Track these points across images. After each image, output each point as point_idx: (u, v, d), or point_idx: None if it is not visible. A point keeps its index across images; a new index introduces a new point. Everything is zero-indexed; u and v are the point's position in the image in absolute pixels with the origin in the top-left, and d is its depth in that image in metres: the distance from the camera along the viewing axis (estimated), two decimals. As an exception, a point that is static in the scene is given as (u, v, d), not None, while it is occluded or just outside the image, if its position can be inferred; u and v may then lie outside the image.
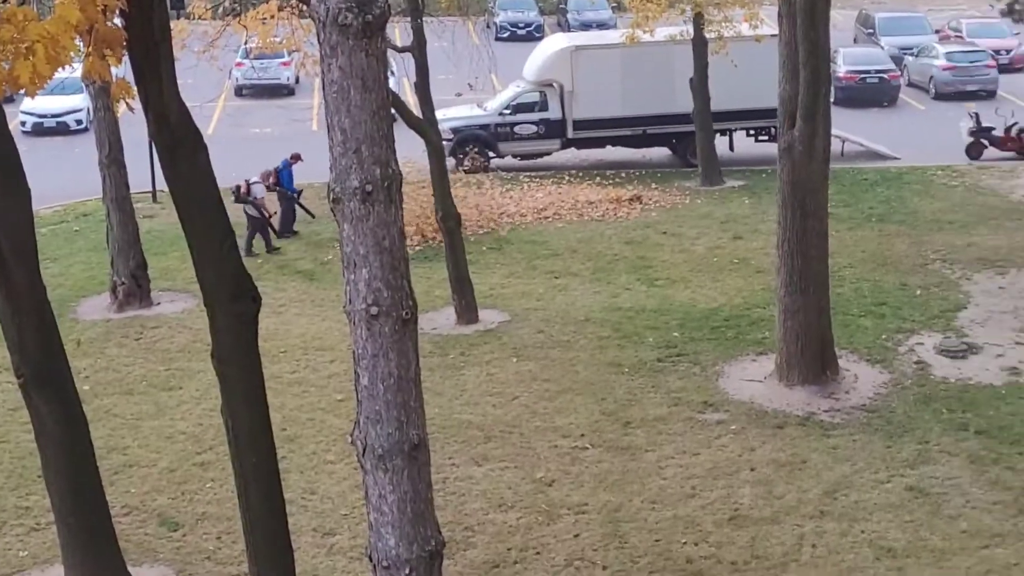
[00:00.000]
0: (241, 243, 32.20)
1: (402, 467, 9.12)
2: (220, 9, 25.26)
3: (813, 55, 22.16)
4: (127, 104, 11.90)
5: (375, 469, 9.19)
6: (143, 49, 12.03)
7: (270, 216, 33.26)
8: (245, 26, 20.84)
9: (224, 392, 13.86)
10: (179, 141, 12.72)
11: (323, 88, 8.46)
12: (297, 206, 35.21)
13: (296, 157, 35.57)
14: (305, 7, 23.54)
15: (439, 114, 42.01)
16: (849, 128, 44.44)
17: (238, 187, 33.35)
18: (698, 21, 37.55)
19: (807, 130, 22.68)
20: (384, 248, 8.56)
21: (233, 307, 13.54)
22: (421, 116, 26.97)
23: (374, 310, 8.69)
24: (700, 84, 38.57)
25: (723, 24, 36.84)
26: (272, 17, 21.14)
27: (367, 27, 8.23)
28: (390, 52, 26.57)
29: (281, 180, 35.07)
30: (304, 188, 35.50)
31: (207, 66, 28.43)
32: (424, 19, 30.80)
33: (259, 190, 33.17)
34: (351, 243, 8.62)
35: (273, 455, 14.16)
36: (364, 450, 9.29)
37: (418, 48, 26.09)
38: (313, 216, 35.02)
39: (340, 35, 8.21)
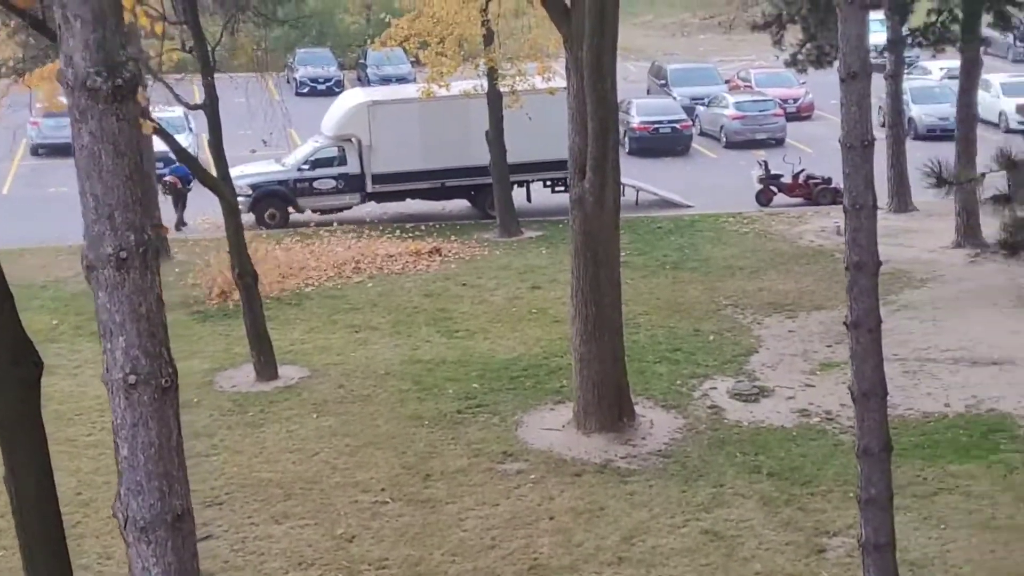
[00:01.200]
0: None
1: (165, 539, 8.96)
2: (3, 68, 24.88)
3: (601, 107, 22.58)
4: None
5: (138, 542, 9.03)
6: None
7: None
8: (29, 86, 20.56)
9: (7, 459, 13.59)
10: None
11: (74, 154, 8.44)
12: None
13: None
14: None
15: (238, 170, 42.07)
16: (643, 177, 45.24)
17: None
18: (492, 75, 37.99)
19: (597, 181, 23.07)
20: (141, 315, 8.48)
21: (14, 372, 13.29)
22: (215, 173, 26.86)
23: (132, 379, 8.56)
24: (496, 137, 38.97)
25: (516, 78, 37.33)
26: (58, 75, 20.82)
27: (117, 91, 8.19)
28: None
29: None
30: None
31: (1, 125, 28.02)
32: (221, 75, 30.80)
33: None
34: (107, 311, 8.50)
35: (59, 523, 13.86)
36: (126, 522, 9.15)
37: (210, 105, 25.98)
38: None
39: (90, 99, 8.15)
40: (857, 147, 11.65)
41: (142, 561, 8.76)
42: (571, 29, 23.12)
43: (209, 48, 26.12)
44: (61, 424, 24.84)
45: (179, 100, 26.55)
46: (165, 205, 38.16)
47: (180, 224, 38.31)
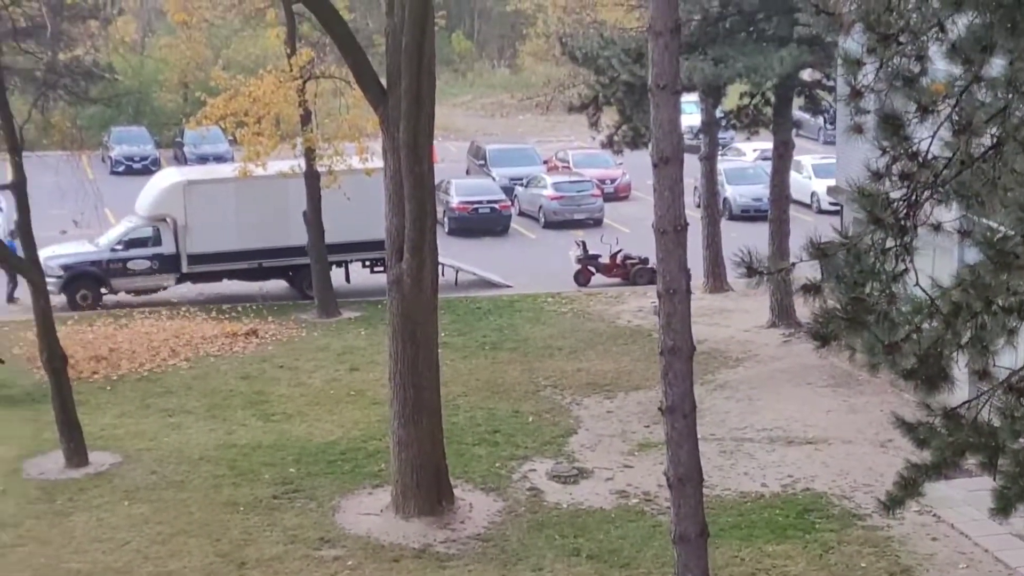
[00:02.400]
0: None
1: None
2: None
3: (418, 189, 22.54)
4: None
5: None
6: None
7: None
8: None
9: None
10: None
11: None
12: None
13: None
14: None
15: (49, 250, 41.24)
16: (462, 257, 45.23)
17: None
18: (309, 155, 37.77)
19: (415, 263, 22.97)
20: None
21: None
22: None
23: None
24: (314, 217, 38.70)
25: (334, 157, 37.14)
26: None
27: None
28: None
29: None
30: None
31: None
32: (33, 154, 30.16)
33: None
34: None
35: None
36: None
37: (18, 185, 25.35)
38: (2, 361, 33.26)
39: None
40: (670, 231, 11.68)
41: None
42: (388, 111, 23.04)
43: (17, 126, 25.50)
44: None
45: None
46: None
47: (11, 298, 36.81)
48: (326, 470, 26.10)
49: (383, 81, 23.53)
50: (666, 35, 11.55)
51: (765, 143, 47.55)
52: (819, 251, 10.03)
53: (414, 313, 23.42)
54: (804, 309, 14.75)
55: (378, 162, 37.03)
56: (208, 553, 22.20)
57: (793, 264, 10.50)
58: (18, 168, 25.35)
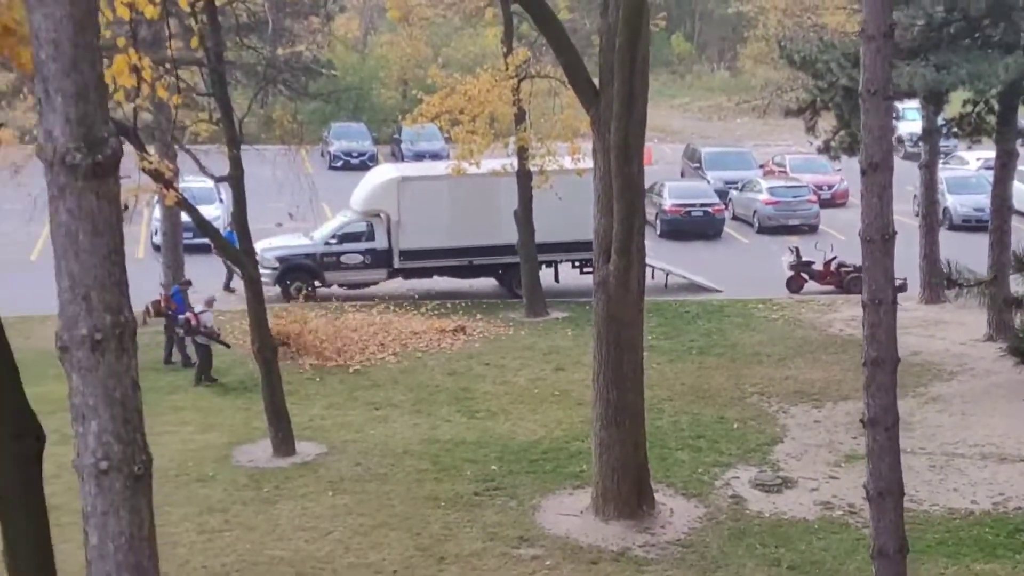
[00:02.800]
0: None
1: None
2: (27, 137, 24.85)
3: (627, 190, 22.35)
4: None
5: None
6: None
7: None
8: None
9: (5, 534, 13.31)
10: None
11: (51, 231, 8.19)
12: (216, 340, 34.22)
13: (187, 283, 35.75)
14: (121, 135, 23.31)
15: (265, 242, 42.08)
16: (674, 261, 45.01)
17: (156, 302, 34.65)
18: (522, 154, 37.88)
19: (622, 264, 22.80)
20: (115, 400, 8.22)
21: (15, 446, 13.02)
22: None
23: (104, 465, 8.29)
24: (524, 216, 38.83)
25: (545, 158, 37.19)
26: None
27: (97, 168, 7.96)
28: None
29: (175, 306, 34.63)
30: None
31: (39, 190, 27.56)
32: (253, 148, 30.71)
33: (207, 318, 32.60)
34: (80, 394, 8.25)
35: None
36: None
37: (235, 178, 25.84)
38: (228, 346, 33.83)
39: (68, 176, 7.94)
40: (877, 240, 11.37)
41: (110, 660, 8.43)
42: (599, 111, 22.93)
43: (236, 120, 25.99)
44: (72, 496, 24.42)
45: (204, 171, 26.45)
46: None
47: (227, 287, 37.62)
48: (528, 469, 26.11)
49: (596, 81, 23.44)
50: (879, 39, 11.24)
51: (988, 152, 46.36)
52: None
53: (620, 315, 23.28)
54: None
55: (590, 163, 37.28)
56: (408, 547, 22.33)
57: (994, 277, 10.14)
58: (236, 161, 25.82)
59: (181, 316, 32.80)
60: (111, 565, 8.44)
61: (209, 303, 33.34)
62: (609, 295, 23.18)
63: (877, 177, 11.29)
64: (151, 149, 32.64)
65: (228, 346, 33.34)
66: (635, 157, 22.56)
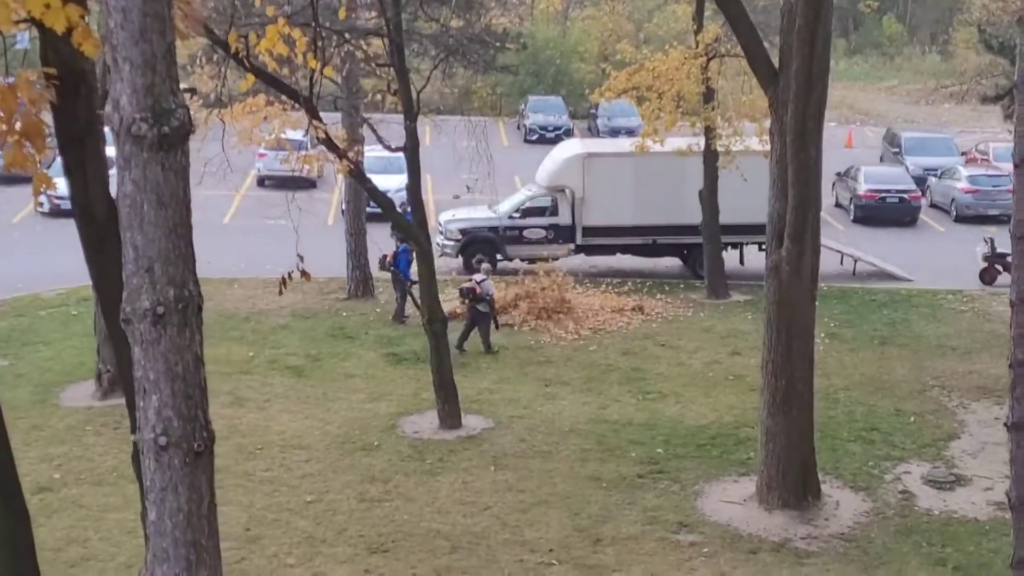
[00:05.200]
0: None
1: None
2: (204, 100, 25.15)
3: (802, 175, 21.83)
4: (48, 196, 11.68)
5: None
6: (68, 143, 11.78)
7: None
8: (223, 120, 20.68)
9: None
10: (104, 239, 12.37)
11: (118, 201, 8.10)
12: (409, 295, 35.13)
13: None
14: (294, 102, 23.50)
15: (449, 214, 42.24)
16: (866, 247, 44.17)
17: (384, 256, 35.72)
18: (708, 134, 37.39)
19: (795, 250, 22.30)
20: (177, 375, 8.13)
21: None
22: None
23: (163, 440, 8.21)
24: (709, 196, 38.38)
25: (732, 138, 36.64)
26: (258, 110, 21.00)
27: (163, 139, 7.87)
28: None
29: (398, 264, 35.51)
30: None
31: (234, 155, 27.86)
32: (438, 118, 30.78)
33: (489, 286, 33.08)
34: (141, 368, 8.18)
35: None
36: None
37: (411, 150, 25.84)
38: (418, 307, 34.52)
39: (134, 146, 7.86)
40: (1029, 238, 10.83)
41: (167, 635, 8.38)
42: (777, 92, 22.43)
43: (415, 91, 25.99)
44: (241, 458, 24.93)
45: (381, 142, 26.51)
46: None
47: (400, 316, 36.05)
48: (693, 453, 25.76)
49: (776, 62, 22.93)
50: (1038, 26, 10.68)
51: None
52: None
53: (791, 301, 22.77)
54: None
55: (777, 144, 36.63)
56: (566, 526, 22.16)
57: None
58: (412, 133, 25.81)
59: (465, 286, 33.11)
60: (168, 541, 8.38)
61: (488, 271, 33.85)
62: (781, 281, 22.69)
63: (1029, 172, 10.77)
64: (336, 118, 33.02)
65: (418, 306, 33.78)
66: (812, 141, 22.03)
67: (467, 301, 32.54)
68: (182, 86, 8.45)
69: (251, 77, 20.70)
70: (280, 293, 20.97)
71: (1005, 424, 12.05)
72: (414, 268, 32.94)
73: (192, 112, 21.52)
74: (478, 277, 33.11)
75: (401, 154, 26.48)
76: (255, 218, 47.66)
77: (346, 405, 28.36)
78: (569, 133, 66.42)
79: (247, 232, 44.81)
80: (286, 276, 19.95)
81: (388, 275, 36.15)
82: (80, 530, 21.62)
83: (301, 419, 27.41)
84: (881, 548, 21.58)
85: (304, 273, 19.88)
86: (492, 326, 32.81)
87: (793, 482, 23.07)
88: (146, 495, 8.52)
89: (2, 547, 15.28)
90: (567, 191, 41.99)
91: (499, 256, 41.41)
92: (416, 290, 34.99)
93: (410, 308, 34.71)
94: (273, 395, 28.94)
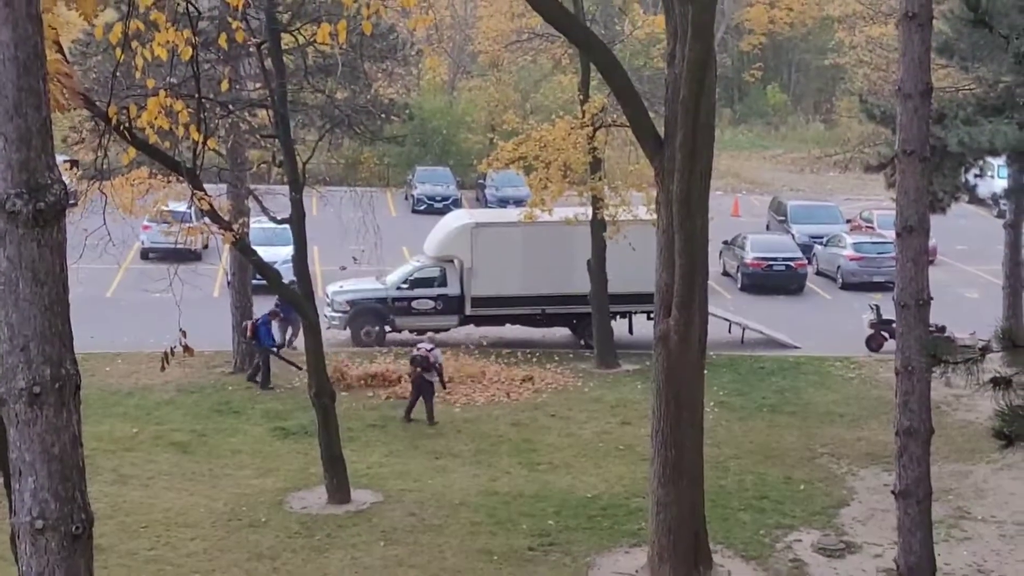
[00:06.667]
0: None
1: None
2: (85, 172, 24.80)
3: (689, 244, 21.83)
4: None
5: None
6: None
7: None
8: (104, 192, 20.36)
9: None
10: None
11: None
12: (280, 360, 36.08)
13: (275, 314, 36.45)
14: (177, 174, 23.18)
15: (336, 285, 41.94)
16: (754, 315, 44.34)
17: (244, 327, 36.35)
18: (596, 203, 37.46)
19: (683, 319, 22.28)
20: (53, 456, 7.90)
21: None
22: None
23: (39, 523, 7.95)
24: (597, 265, 38.40)
25: (619, 207, 36.75)
26: (140, 182, 20.70)
27: (39, 215, 7.70)
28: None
29: (258, 334, 35.85)
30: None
31: (117, 228, 27.42)
32: (329, 189, 30.52)
33: (437, 355, 33.35)
34: (17, 449, 7.95)
35: None
36: None
37: (297, 221, 25.61)
38: (300, 368, 34.17)
39: (9, 223, 7.69)
40: (911, 305, 10.84)
41: None
42: (663, 162, 22.48)
43: (300, 163, 25.80)
44: (124, 537, 24.43)
45: (266, 213, 26.27)
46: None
47: (264, 384, 36.00)
48: (585, 524, 25.61)
49: (661, 132, 23.01)
50: (916, 98, 10.73)
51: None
52: (1009, 342, 9.10)
53: (680, 371, 22.74)
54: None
55: (665, 213, 36.76)
56: (457, 602, 21.91)
57: (983, 353, 9.56)
58: (297, 204, 25.60)
59: (418, 354, 32.90)
60: (48, 631, 8.07)
61: (432, 340, 34.23)
62: (669, 350, 22.65)
63: (912, 241, 10.76)
64: (221, 189, 32.72)
65: (300, 368, 33.76)
66: (698, 210, 22.07)
67: (419, 370, 32.28)
68: (63, 158, 8.24)
69: (133, 150, 20.39)
70: (163, 369, 20.49)
71: (893, 491, 12.01)
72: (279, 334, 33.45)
73: (73, 184, 21.12)
74: (427, 346, 32.93)
75: (287, 225, 26.23)
76: (139, 291, 46.96)
77: (232, 481, 27.89)
78: (457, 203, 66.28)
79: (131, 305, 44.14)
80: (169, 351, 19.51)
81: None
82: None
83: (186, 496, 26.91)
84: (773, 617, 21.53)
85: (187, 348, 19.45)
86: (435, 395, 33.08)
87: (684, 552, 22.96)
88: None
89: None
90: (456, 261, 41.84)
91: (387, 328, 41.10)
92: (285, 353, 36.34)
93: (276, 375, 36.12)
94: (157, 472, 28.41)
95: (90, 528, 8.28)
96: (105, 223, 21.75)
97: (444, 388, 33.53)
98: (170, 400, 34.21)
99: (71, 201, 8.63)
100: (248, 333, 36.05)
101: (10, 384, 7.86)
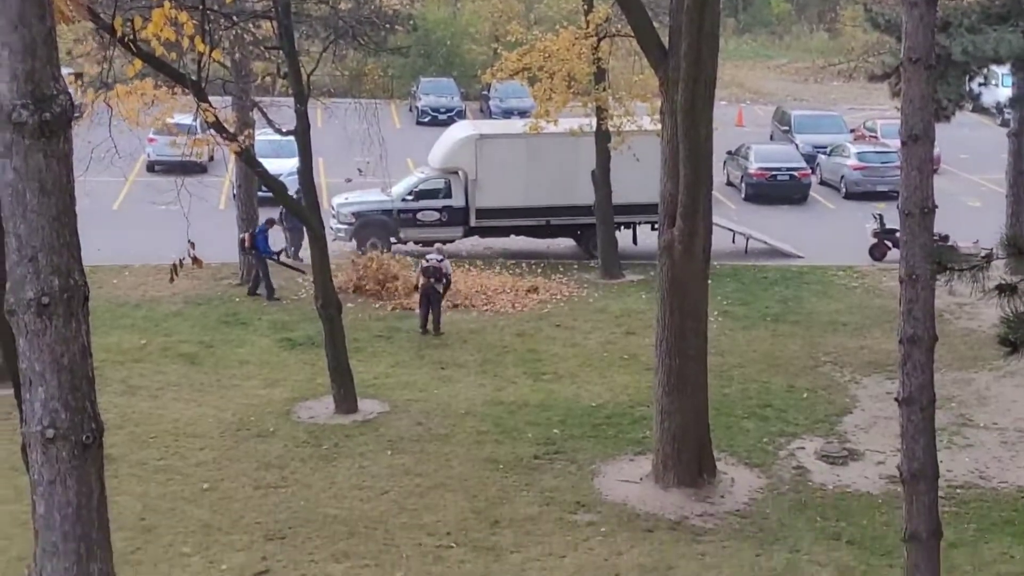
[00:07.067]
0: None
1: None
2: (91, 83, 24.75)
3: (693, 154, 21.91)
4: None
5: None
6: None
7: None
8: (109, 104, 20.37)
9: None
10: None
11: None
12: (282, 265, 36.61)
13: (272, 222, 36.74)
14: (182, 86, 23.21)
15: (342, 198, 41.98)
16: (757, 225, 44.43)
17: (242, 239, 36.61)
18: (600, 114, 37.43)
19: (687, 229, 22.41)
20: (63, 366, 7.99)
21: None
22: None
23: (50, 433, 8.06)
24: (602, 176, 38.42)
25: (624, 118, 36.72)
26: (145, 93, 20.67)
27: (45, 126, 7.73)
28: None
29: (256, 244, 36.01)
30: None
31: (123, 140, 27.46)
32: (333, 101, 30.49)
33: (447, 266, 33.62)
34: (27, 359, 8.04)
35: None
36: None
37: (302, 133, 25.63)
38: (303, 272, 35.37)
39: (15, 134, 7.72)
40: (915, 214, 10.94)
41: (55, 632, 8.25)
42: (668, 72, 22.50)
43: (304, 74, 25.79)
44: (134, 447, 24.68)
45: (271, 125, 26.30)
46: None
47: (269, 296, 36.15)
48: (590, 433, 25.84)
49: (666, 42, 22.99)
50: (921, 6, 10.77)
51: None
52: (1015, 248, 9.21)
53: (684, 281, 22.90)
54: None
55: (669, 124, 36.73)
56: (463, 509, 22.15)
57: (987, 260, 9.68)
58: (302, 116, 25.62)
59: (430, 265, 33.08)
60: (57, 535, 8.25)
61: (441, 251, 34.27)
62: (673, 260, 22.80)
63: (917, 149, 10.83)
64: (226, 102, 32.70)
65: (303, 272, 34.96)
66: (702, 120, 22.10)
67: (430, 280, 32.40)
68: (67, 70, 8.31)
69: (138, 62, 20.40)
70: (171, 280, 20.67)
71: (896, 399, 12.17)
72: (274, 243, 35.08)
73: (78, 96, 21.09)
74: (437, 257, 33.07)
75: (292, 138, 26.27)
76: (145, 204, 47.02)
77: (240, 392, 28.13)
78: (461, 114, 66.13)
79: (137, 218, 44.20)
80: (177, 263, 19.67)
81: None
82: (-31, 523, 21.27)
83: (195, 407, 27.15)
84: (776, 524, 21.78)
85: (196, 260, 19.64)
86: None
87: (688, 460, 23.21)
88: (34, 489, 8.36)
89: None
90: (460, 173, 41.86)
91: (392, 239, 41.19)
92: (284, 259, 36.97)
93: (282, 286, 36.40)
94: (166, 383, 28.65)
95: (100, 437, 8.39)
96: (111, 135, 21.87)
97: (441, 299, 33.49)
98: (178, 312, 34.40)
99: (76, 114, 8.69)
100: (247, 244, 36.26)
101: (19, 295, 7.93)
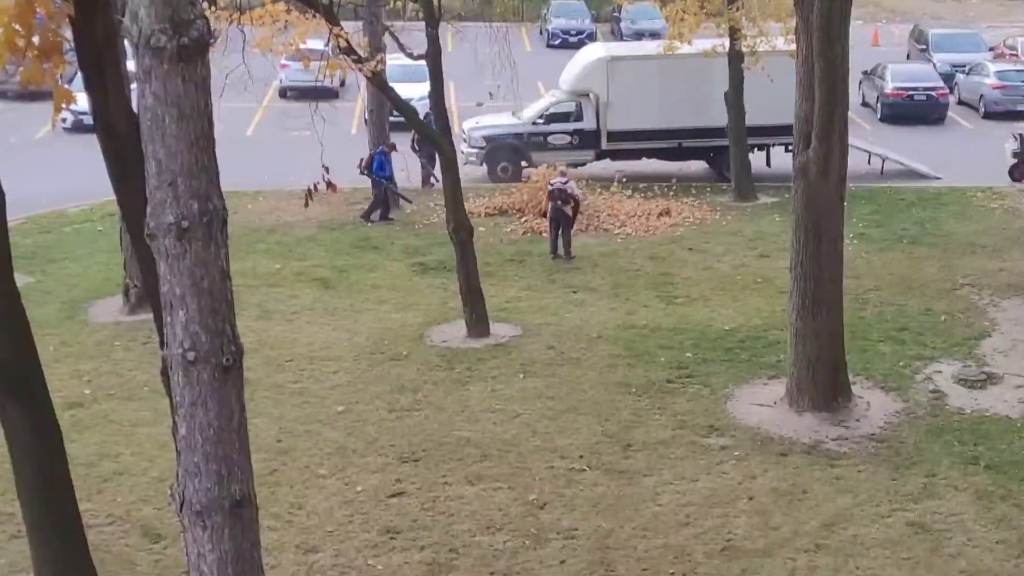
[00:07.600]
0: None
1: (222, 525, 8.49)
2: (225, 6, 24.83)
3: (829, 73, 21.54)
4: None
5: (193, 526, 8.61)
6: (87, 58, 11.62)
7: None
8: (243, 31, 20.48)
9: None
10: (127, 154, 12.22)
11: (139, 113, 7.97)
12: (390, 191, 36.68)
13: (392, 147, 36.96)
14: (313, 10, 23.26)
15: (472, 121, 41.99)
16: (894, 146, 43.81)
17: (360, 161, 36.86)
18: (733, 35, 36.99)
19: (822, 150, 22.06)
20: (203, 289, 8.05)
21: None
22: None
23: (191, 355, 8.13)
24: (735, 98, 38.03)
25: (757, 38, 36.24)
26: (274, 21, 20.78)
27: (183, 51, 7.75)
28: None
29: (373, 167, 36.39)
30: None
31: (256, 67, 27.62)
32: (474, 23, 30.31)
33: (574, 188, 33.51)
34: (167, 283, 8.10)
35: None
36: (182, 505, 8.74)
37: (432, 57, 25.62)
38: (410, 201, 36.27)
39: (154, 59, 7.75)
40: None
41: (197, 547, 8.40)
42: (802, -10, 22.12)
43: (435, -1, 25.76)
44: (270, 370, 24.97)
45: (403, 49, 26.30)
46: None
47: (385, 216, 36.95)
48: (723, 357, 25.67)
49: (800, -41, 22.59)
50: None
51: None
52: None
53: (819, 203, 22.58)
54: None
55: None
56: (596, 432, 22.13)
57: None
58: (433, 40, 25.59)
59: (556, 188, 32.94)
60: (199, 456, 8.36)
61: (565, 173, 33.99)
62: (808, 182, 22.48)
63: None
64: (357, 26, 32.73)
65: (410, 201, 36.00)
66: (838, 40, 21.69)
67: (557, 203, 32.36)
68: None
69: (270, -14, 20.49)
70: (306, 205, 20.80)
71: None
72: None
73: (213, 22, 21.19)
74: (561, 179, 32.98)
75: (423, 62, 26.25)
76: (278, 130, 47.53)
77: (373, 316, 28.33)
78: (592, 37, 65.82)
79: (271, 144, 44.65)
80: (312, 188, 19.79)
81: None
82: (112, 445, 21.69)
83: (329, 331, 27.40)
84: (912, 448, 21.50)
85: (330, 184, 19.73)
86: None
87: (823, 384, 22.97)
88: (176, 410, 8.48)
89: (36, 462, 15.32)
90: (591, 96, 41.66)
91: (524, 163, 41.14)
92: (424, 191, 37.56)
93: (399, 209, 37.04)
94: (300, 307, 28.94)
95: (240, 360, 8.48)
96: (244, 62, 22.01)
97: (572, 222, 33.30)
98: (311, 237, 34.71)
99: (212, 39, 8.74)
100: (364, 167, 36.52)
101: (159, 219, 8.01)
